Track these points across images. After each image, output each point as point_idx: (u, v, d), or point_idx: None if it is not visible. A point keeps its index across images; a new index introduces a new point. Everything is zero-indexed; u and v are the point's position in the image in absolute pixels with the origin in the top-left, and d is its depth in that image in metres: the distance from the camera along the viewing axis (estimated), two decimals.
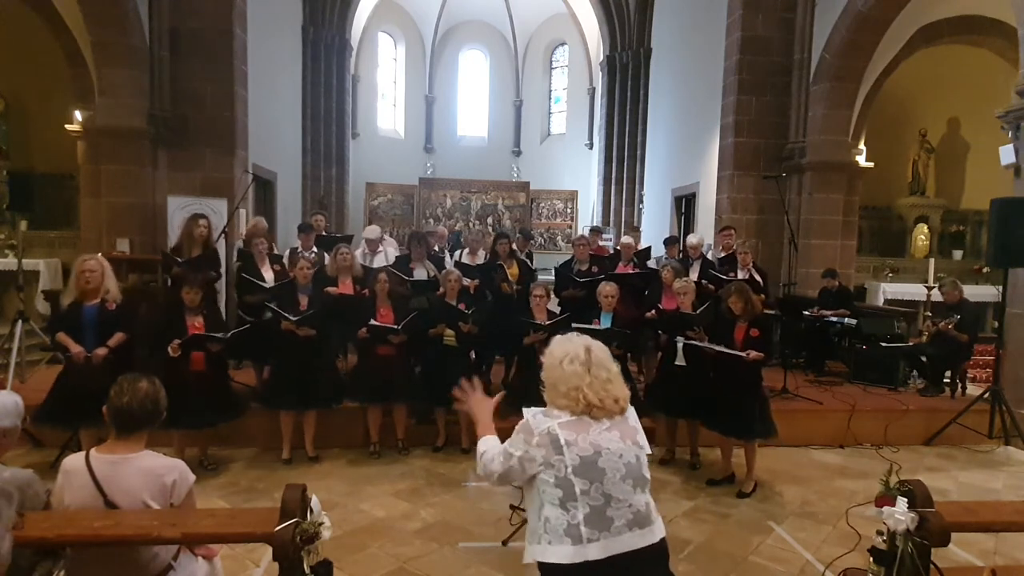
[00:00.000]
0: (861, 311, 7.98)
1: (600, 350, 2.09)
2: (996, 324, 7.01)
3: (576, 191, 16.82)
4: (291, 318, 5.05)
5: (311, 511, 2.37)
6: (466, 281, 5.96)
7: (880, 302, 9.79)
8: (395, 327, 5.21)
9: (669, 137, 12.89)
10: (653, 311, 5.58)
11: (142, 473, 2.33)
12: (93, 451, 2.36)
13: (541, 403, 2.44)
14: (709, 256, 7.40)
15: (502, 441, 2.16)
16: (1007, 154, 6.19)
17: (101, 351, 4.55)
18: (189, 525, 2.29)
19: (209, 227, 5.96)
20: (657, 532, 1.99)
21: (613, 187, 15.57)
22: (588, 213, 17.07)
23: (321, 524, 2.35)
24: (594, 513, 1.90)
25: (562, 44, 19.78)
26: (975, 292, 8.35)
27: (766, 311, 5.58)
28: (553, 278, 6.89)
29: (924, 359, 6.96)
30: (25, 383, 6.01)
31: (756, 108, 9.04)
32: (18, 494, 2.15)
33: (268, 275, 6.06)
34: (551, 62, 20.22)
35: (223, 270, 6.57)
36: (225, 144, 8.10)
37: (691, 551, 3.95)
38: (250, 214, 8.36)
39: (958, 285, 6.83)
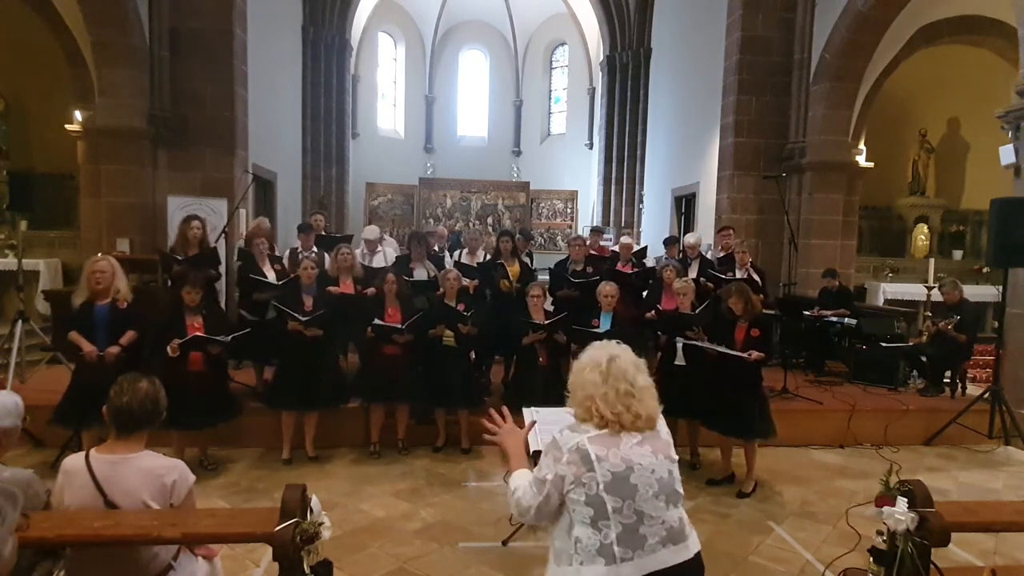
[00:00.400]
0: (861, 311, 7.98)
1: (627, 362, 1.95)
2: (996, 324, 7.01)
3: (576, 191, 16.82)
4: (300, 318, 5.05)
5: (311, 511, 2.37)
6: (465, 281, 5.97)
7: (880, 302, 9.79)
8: (400, 327, 5.21)
9: (669, 137, 12.89)
10: (652, 311, 5.59)
11: (142, 473, 2.33)
12: (93, 451, 2.36)
13: (539, 403, 2.43)
14: (708, 256, 7.40)
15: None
16: (1007, 154, 6.20)
17: (113, 349, 4.57)
18: (189, 525, 2.29)
19: (203, 228, 5.96)
20: (692, 547, 1.92)
21: (613, 187, 15.57)
22: (588, 213, 17.06)
23: (321, 524, 2.35)
24: (627, 532, 1.82)
25: (562, 44, 19.78)
26: (975, 292, 8.35)
27: (765, 311, 5.58)
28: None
29: (924, 359, 6.96)
30: (25, 383, 6.02)
31: (756, 108, 9.04)
32: (22, 495, 2.15)
33: (270, 275, 6.06)
34: (551, 62, 20.22)
35: (223, 269, 6.57)
36: (225, 144, 8.10)
37: None
38: (250, 214, 8.37)
39: (958, 285, 6.83)
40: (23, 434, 3.42)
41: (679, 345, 5.16)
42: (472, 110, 20.39)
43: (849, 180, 8.95)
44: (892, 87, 9.83)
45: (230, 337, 4.93)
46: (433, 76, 19.66)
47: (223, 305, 6.67)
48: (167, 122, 7.81)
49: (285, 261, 6.45)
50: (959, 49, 9.82)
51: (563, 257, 7.29)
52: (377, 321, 5.21)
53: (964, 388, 6.85)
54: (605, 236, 10.69)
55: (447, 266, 6.41)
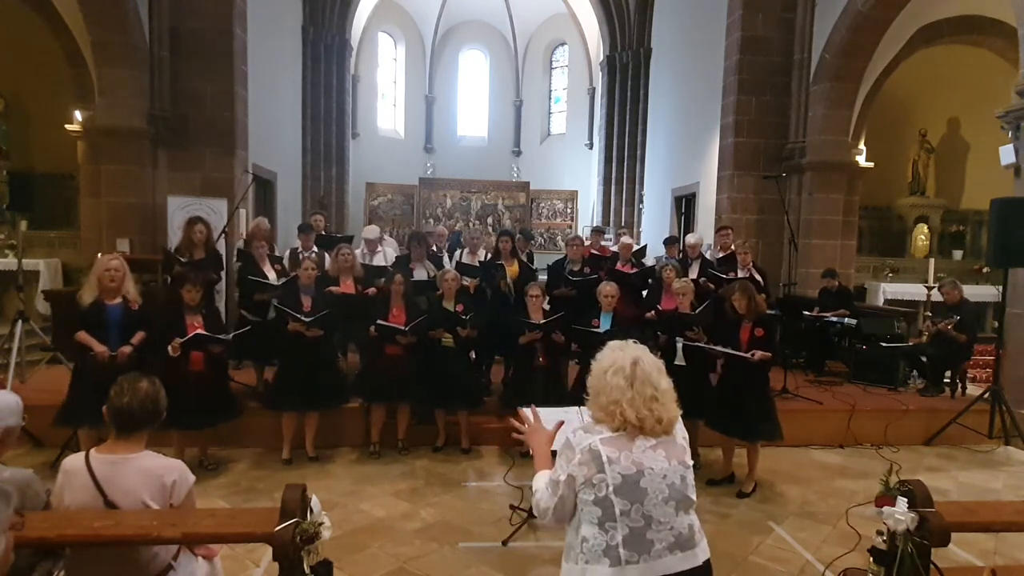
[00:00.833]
0: (861, 311, 7.98)
1: (650, 364, 1.94)
2: (996, 324, 7.01)
3: (576, 191, 16.81)
4: (303, 319, 5.05)
5: (311, 511, 2.37)
6: (466, 280, 5.97)
7: (880, 302, 9.79)
8: (402, 328, 5.21)
9: (669, 137, 12.90)
10: (652, 311, 5.58)
11: (142, 473, 2.33)
12: (93, 451, 2.36)
13: (538, 403, 2.42)
14: (707, 256, 7.40)
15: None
16: (1007, 154, 6.20)
17: (126, 349, 4.56)
18: (189, 525, 2.29)
19: (207, 230, 5.96)
20: (700, 555, 1.90)
21: (613, 187, 15.57)
22: (588, 213, 17.06)
23: (321, 524, 2.35)
24: (633, 535, 1.82)
25: (562, 44, 19.78)
26: (975, 292, 8.36)
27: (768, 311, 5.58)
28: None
29: (924, 359, 6.96)
30: (25, 383, 6.02)
31: (756, 108, 9.04)
32: (17, 494, 2.15)
33: (271, 275, 6.06)
34: (551, 62, 20.22)
35: (223, 272, 6.57)
36: (225, 144, 8.10)
37: None
38: (250, 214, 8.36)
39: (958, 285, 6.83)
40: (23, 434, 3.42)
41: (679, 345, 5.16)
42: (472, 110, 20.39)
43: (849, 180, 8.95)
44: (892, 87, 9.83)
45: (232, 335, 4.93)
46: (433, 76, 19.66)
47: (223, 306, 6.67)
48: (167, 122, 7.81)
49: (285, 261, 6.46)
50: (959, 49, 9.83)
51: (561, 257, 7.30)
52: (381, 321, 5.21)
53: (964, 388, 6.84)
54: (605, 236, 10.70)
55: (446, 267, 6.41)
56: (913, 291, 9.36)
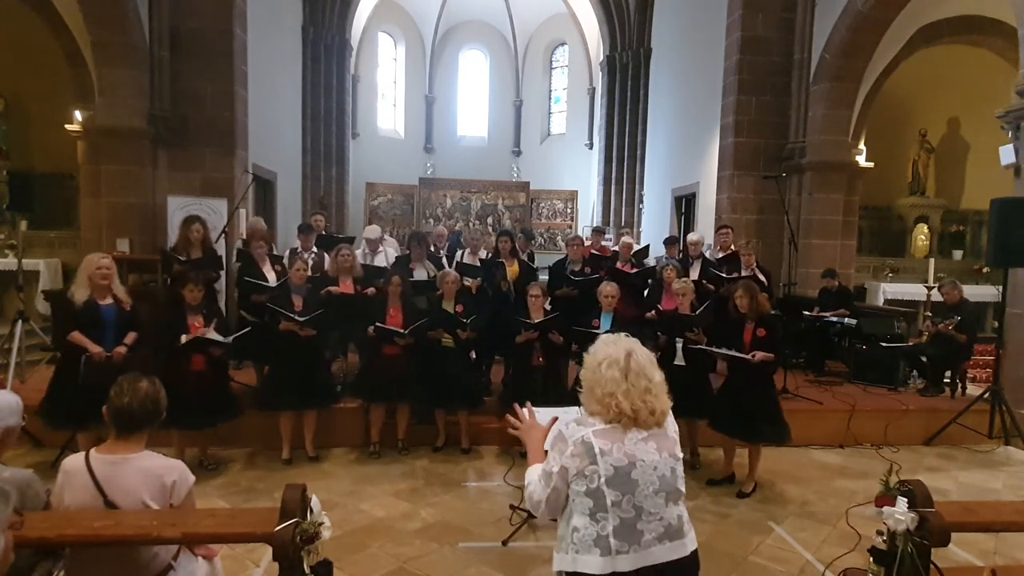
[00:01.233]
0: (861, 311, 7.98)
1: (643, 357, 1.97)
2: (996, 324, 7.01)
3: (576, 191, 16.81)
4: (298, 318, 5.05)
5: (311, 511, 2.37)
6: (467, 281, 5.96)
7: (880, 302, 9.79)
8: (402, 331, 5.21)
9: (669, 137, 12.89)
10: (653, 311, 5.58)
11: (142, 473, 2.33)
12: (93, 451, 2.36)
13: (537, 402, 2.43)
14: (707, 255, 7.41)
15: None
16: (1007, 154, 6.20)
17: (121, 349, 4.56)
18: (189, 525, 2.29)
19: (205, 229, 5.95)
20: (689, 545, 1.94)
21: (613, 187, 15.57)
22: (588, 213, 17.06)
23: (321, 524, 2.35)
24: (624, 525, 1.86)
25: (562, 44, 19.78)
26: (975, 292, 8.36)
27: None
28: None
29: (924, 359, 6.96)
30: (25, 383, 6.02)
31: (756, 108, 9.04)
32: (17, 494, 2.15)
33: (271, 276, 6.05)
34: (551, 62, 20.22)
35: (223, 271, 6.57)
36: (225, 144, 8.10)
37: None
38: (250, 214, 8.36)
39: (958, 285, 6.83)
40: (23, 434, 3.42)
41: (679, 346, 5.16)
42: (472, 110, 20.39)
43: (849, 180, 8.96)
44: (892, 87, 9.83)
45: (231, 338, 4.92)
46: (433, 76, 19.66)
47: (223, 306, 6.67)
48: (167, 122, 7.81)
49: (286, 261, 6.45)
50: (959, 49, 9.82)
51: (562, 257, 7.30)
52: (379, 324, 5.21)
53: (964, 388, 6.84)
54: (605, 236, 10.70)
55: (447, 268, 6.40)
56: (913, 291, 9.35)
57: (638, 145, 14.84)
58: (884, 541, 2.64)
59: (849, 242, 9.11)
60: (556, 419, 2.18)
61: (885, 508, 2.60)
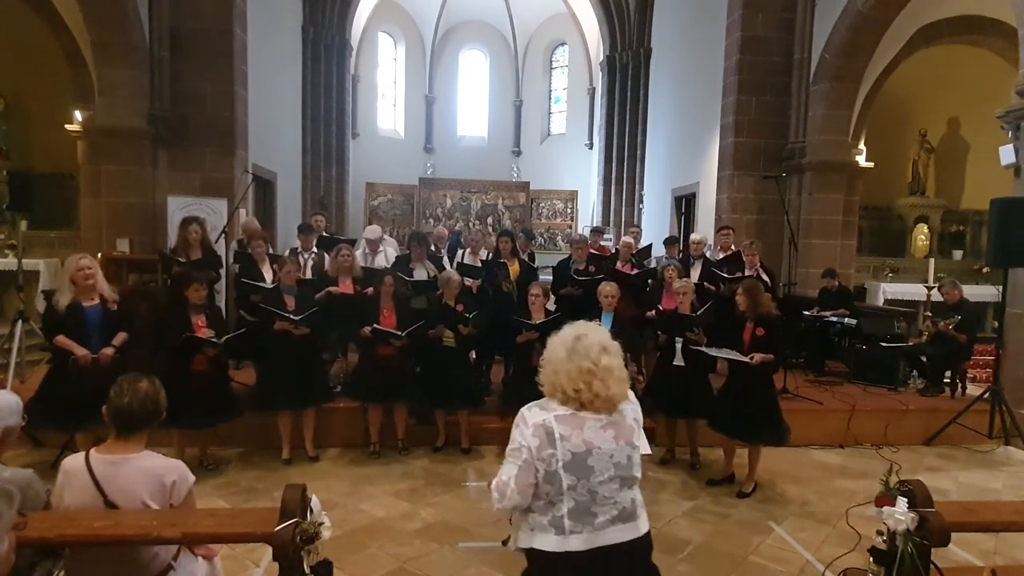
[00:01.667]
0: (861, 311, 7.98)
1: (593, 341, 2.02)
2: (996, 324, 7.01)
3: (576, 191, 16.80)
4: (293, 317, 5.04)
5: (311, 511, 2.37)
6: (468, 281, 5.96)
7: (880, 302, 9.79)
8: (399, 333, 5.20)
9: (669, 137, 12.89)
10: (653, 311, 5.58)
11: (142, 473, 2.33)
12: (93, 451, 2.36)
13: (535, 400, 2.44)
14: (708, 255, 7.40)
15: None
16: (1007, 154, 6.20)
17: (108, 351, 4.52)
18: (189, 525, 2.29)
19: (203, 230, 5.94)
20: (641, 527, 2.04)
21: (613, 187, 15.57)
22: (588, 213, 17.05)
23: (321, 524, 2.35)
24: (578, 508, 1.95)
25: (562, 44, 19.77)
26: (975, 292, 8.36)
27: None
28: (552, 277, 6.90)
29: (924, 359, 6.96)
30: (25, 383, 6.01)
31: (756, 108, 9.04)
32: (19, 494, 2.15)
33: (268, 276, 6.05)
34: (551, 62, 20.21)
35: (224, 271, 6.57)
36: (225, 144, 8.11)
37: (691, 551, 3.95)
38: (250, 214, 8.36)
39: (958, 285, 6.83)
40: (23, 434, 3.42)
41: (678, 346, 5.16)
42: (472, 110, 20.38)
43: (849, 180, 8.96)
44: (892, 87, 9.83)
45: (224, 338, 4.87)
46: (433, 76, 19.65)
47: (223, 305, 6.67)
48: (167, 122, 7.81)
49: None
50: (959, 49, 9.83)
51: (565, 256, 7.31)
52: (377, 326, 5.20)
53: (964, 388, 6.84)
54: (605, 236, 10.69)
55: (447, 268, 6.40)
56: (913, 291, 9.36)
57: (638, 145, 14.84)
58: (884, 541, 2.64)
59: (849, 242, 9.11)
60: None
61: (885, 508, 2.60)
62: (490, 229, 14.43)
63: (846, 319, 7.34)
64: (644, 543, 2.04)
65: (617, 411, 2.02)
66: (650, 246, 7.82)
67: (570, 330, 2.08)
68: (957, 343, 6.57)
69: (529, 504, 2.00)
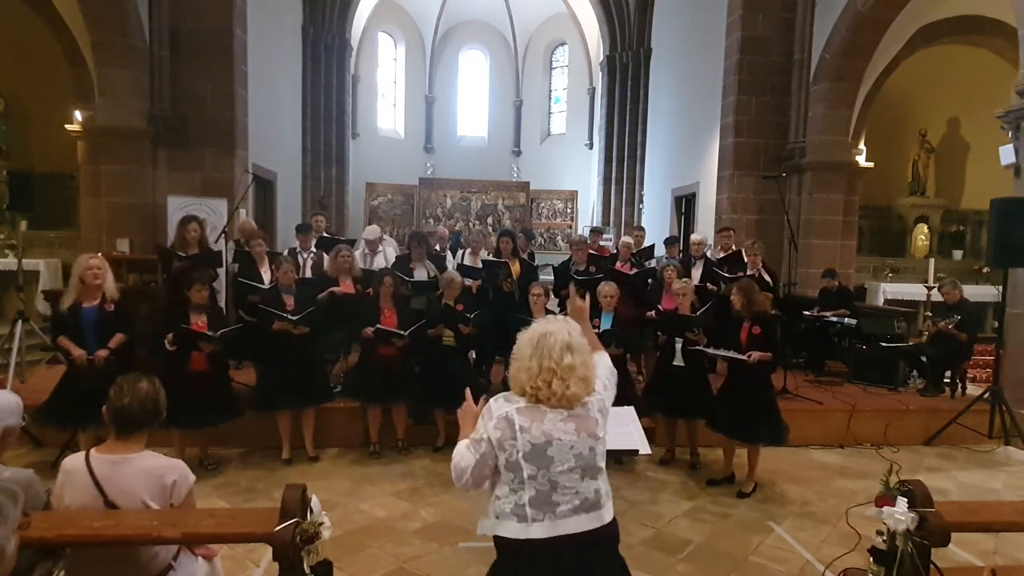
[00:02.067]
0: (861, 311, 7.98)
1: (558, 340, 2.03)
2: (996, 324, 7.01)
3: (576, 191, 16.81)
4: (291, 317, 5.04)
5: (311, 511, 2.37)
6: (468, 281, 5.96)
7: (880, 302, 9.79)
8: (401, 332, 5.20)
9: (669, 137, 12.90)
10: (653, 311, 5.58)
11: (142, 473, 2.33)
12: (93, 451, 2.35)
13: None
14: (708, 255, 7.40)
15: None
16: (1007, 154, 6.20)
17: (102, 353, 4.52)
18: (189, 525, 2.29)
19: (201, 229, 5.95)
20: (606, 516, 2.05)
21: (613, 187, 15.57)
22: (588, 213, 17.05)
23: (321, 524, 2.35)
24: (539, 496, 1.99)
25: (562, 44, 19.78)
26: (975, 292, 8.36)
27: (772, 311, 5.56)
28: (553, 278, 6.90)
29: (924, 359, 6.96)
30: (25, 383, 6.02)
31: (756, 108, 9.04)
32: (23, 494, 2.15)
33: (267, 276, 6.04)
34: (551, 62, 20.22)
35: (223, 270, 6.57)
36: (225, 144, 8.10)
37: (691, 551, 3.95)
38: (250, 214, 8.36)
39: (958, 285, 6.83)
40: (23, 434, 3.42)
41: (678, 346, 5.16)
42: (472, 110, 20.38)
43: (849, 180, 8.96)
44: (892, 87, 9.84)
45: (220, 332, 4.85)
46: (433, 76, 19.66)
47: (223, 305, 6.67)
48: (167, 122, 7.81)
49: None
50: (959, 49, 9.83)
51: (566, 257, 7.30)
52: (380, 326, 5.20)
53: (964, 388, 6.84)
54: (605, 236, 10.70)
55: (448, 268, 6.40)
56: (913, 291, 9.36)
57: (638, 145, 14.84)
58: (884, 541, 2.64)
59: (849, 242, 9.11)
60: (487, 399, 2.27)
61: (885, 508, 2.60)
62: (490, 229, 14.44)
63: (846, 319, 7.34)
64: (608, 532, 2.06)
65: (580, 404, 2.04)
66: (652, 246, 7.82)
67: (539, 326, 2.10)
68: (957, 343, 6.57)
69: (494, 491, 2.06)
